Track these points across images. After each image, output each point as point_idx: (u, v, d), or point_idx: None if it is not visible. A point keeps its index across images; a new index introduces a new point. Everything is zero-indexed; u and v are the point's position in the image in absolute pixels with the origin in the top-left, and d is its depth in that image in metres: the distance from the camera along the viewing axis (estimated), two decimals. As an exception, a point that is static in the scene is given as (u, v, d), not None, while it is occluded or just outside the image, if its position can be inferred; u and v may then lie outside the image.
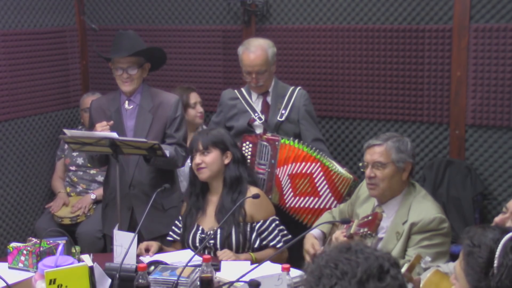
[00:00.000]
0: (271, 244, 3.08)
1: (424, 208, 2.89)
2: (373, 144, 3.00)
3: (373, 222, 2.70)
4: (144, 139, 3.21)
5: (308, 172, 3.51)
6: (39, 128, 4.68)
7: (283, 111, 3.69)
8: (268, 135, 3.59)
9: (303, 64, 4.34)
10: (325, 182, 3.51)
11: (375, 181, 2.95)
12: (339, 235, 2.80)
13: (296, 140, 3.57)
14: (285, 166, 3.53)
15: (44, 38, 4.68)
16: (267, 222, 3.11)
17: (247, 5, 4.36)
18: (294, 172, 3.52)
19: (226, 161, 3.14)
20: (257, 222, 3.09)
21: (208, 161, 3.10)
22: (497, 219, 2.42)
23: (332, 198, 3.51)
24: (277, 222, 3.14)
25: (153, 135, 3.49)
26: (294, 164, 3.52)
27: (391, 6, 4.06)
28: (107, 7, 4.96)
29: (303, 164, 3.51)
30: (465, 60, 3.87)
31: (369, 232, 2.70)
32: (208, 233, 3.06)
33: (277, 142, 3.52)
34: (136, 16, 4.87)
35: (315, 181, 3.51)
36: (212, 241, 3.05)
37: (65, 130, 3.25)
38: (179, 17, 4.72)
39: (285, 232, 3.14)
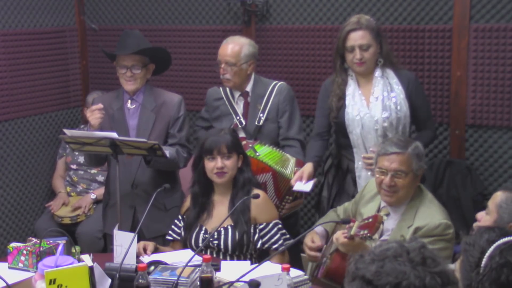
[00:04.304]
0: (274, 247, 3.05)
1: (430, 213, 2.84)
2: (392, 152, 2.87)
3: (373, 225, 2.63)
4: (144, 140, 3.21)
5: (262, 181, 3.43)
6: (39, 128, 4.67)
7: (261, 115, 3.60)
8: (243, 143, 3.40)
9: (303, 64, 4.34)
10: (273, 186, 3.46)
11: (395, 189, 2.86)
12: (340, 235, 2.74)
13: (259, 148, 3.48)
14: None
15: (44, 38, 4.67)
16: (270, 225, 3.09)
17: (247, 5, 4.36)
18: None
19: (240, 164, 3.12)
20: (260, 224, 3.08)
21: (230, 165, 3.07)
22: (478, 215, 2.44)
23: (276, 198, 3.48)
24: (279, 226, 3.12)
25: (155, 135, 3.48)
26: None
27: (391, 6, 4.06)
28: (107, 7, 4.96)
29: (261, 175, 3.43)
30: (465, 60, 3.87)
31: (368, 234, 2.62)
32: (212, 233, 3.03)
33: None
34: (136, 16, 4.87)
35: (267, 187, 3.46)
36: (216, 242, 3.04)
37: (65, 130, 3.25)
38: (179, 17, 4.72)
39: (287, 236, 3.11)
